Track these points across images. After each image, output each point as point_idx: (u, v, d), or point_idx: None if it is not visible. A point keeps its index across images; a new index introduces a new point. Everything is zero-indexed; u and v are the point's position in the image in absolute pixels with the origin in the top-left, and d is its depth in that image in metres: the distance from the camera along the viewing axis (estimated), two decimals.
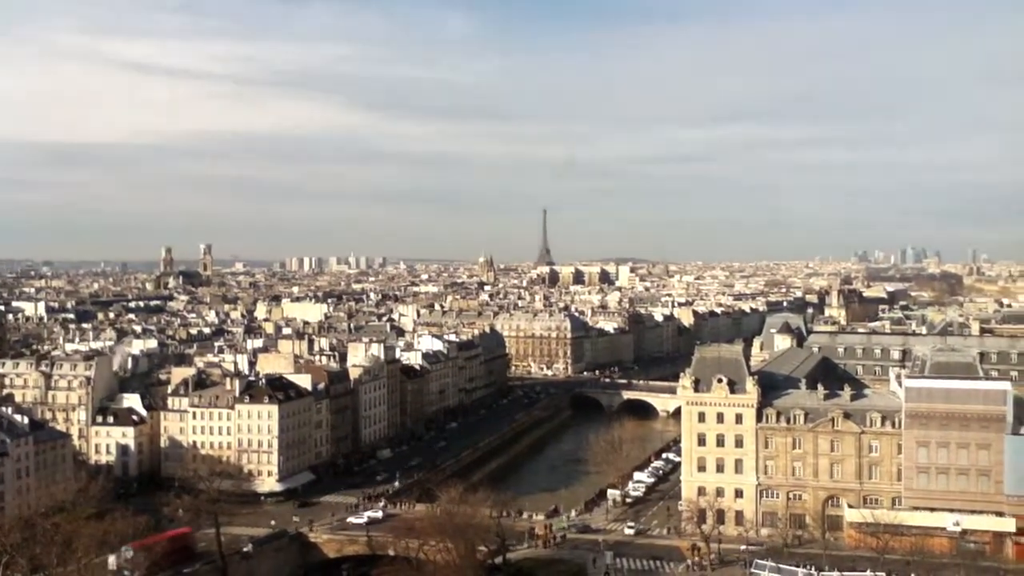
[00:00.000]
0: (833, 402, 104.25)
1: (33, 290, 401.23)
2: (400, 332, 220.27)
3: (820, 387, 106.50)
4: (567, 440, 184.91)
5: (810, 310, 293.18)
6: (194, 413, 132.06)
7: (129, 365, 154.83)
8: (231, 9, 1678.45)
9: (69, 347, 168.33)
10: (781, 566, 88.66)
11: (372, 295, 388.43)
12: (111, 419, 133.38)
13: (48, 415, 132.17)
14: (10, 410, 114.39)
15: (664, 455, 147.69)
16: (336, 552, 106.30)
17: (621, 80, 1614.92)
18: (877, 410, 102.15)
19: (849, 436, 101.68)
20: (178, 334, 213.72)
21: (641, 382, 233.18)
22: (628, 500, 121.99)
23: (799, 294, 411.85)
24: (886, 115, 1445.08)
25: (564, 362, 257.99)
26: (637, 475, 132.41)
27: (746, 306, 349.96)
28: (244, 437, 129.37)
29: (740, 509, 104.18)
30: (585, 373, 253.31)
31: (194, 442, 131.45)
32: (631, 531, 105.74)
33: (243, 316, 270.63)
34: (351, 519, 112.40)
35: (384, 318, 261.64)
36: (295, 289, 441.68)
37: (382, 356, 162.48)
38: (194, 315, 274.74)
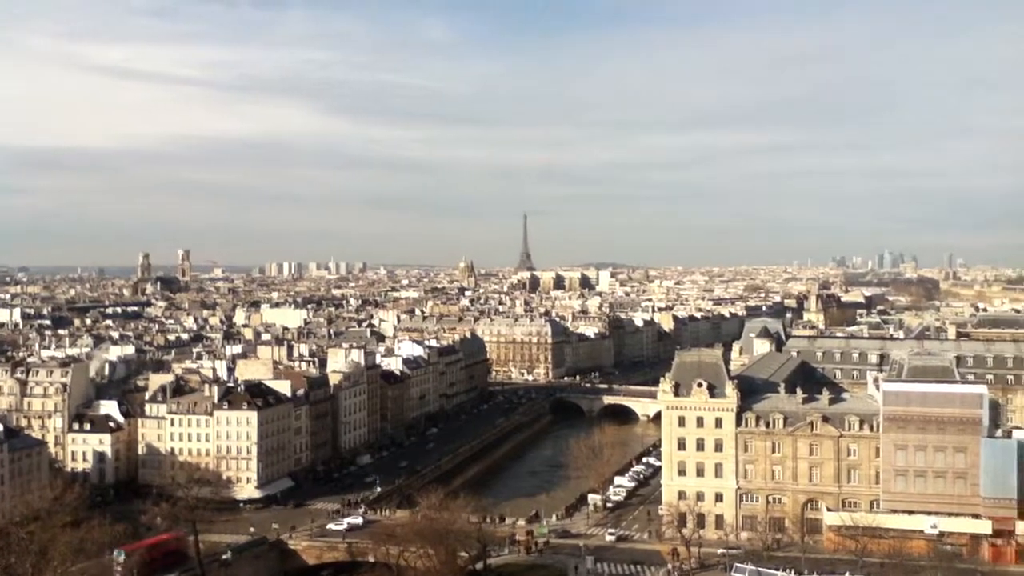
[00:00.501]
0: (812, 406, 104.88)
1: (8, 296, 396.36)
2: (380, 338, 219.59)
3: (799, 391, 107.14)
4: (548, 445, 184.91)
5: (789, 315, 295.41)
6: (172, 420, 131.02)
7: (106, 372, 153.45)
8: (209, 14, 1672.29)
9: (45, 354, 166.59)
10: (761, 569, 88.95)
11: (352, 300, 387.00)
12: (88, 426, 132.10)
13: (23, 422, 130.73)
14: None
15: (644, 459, 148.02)
16: (316, 559, 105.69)
17: (601, 86, 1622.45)
18: (855, 414, 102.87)
19: (828, 440, 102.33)
20: (156, 340, 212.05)
21: (622, 387, 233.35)
22: (609, 505, 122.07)
23: (778, 299, 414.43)
24: (864, 121, 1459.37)
25: (545, 367, 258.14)
26: (618, 480, 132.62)
27: (725, 311, 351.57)
28: (223, 444, 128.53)
29: (720, 513, 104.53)
30: (566, 378, 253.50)
31: (172, 449, 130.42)
32: (612, 537, 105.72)
33: (222, 322, 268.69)
34: (331, 526, 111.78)
35: (364, 324, 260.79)
36: (274, 295, 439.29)
37: (362, 362, 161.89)
38: (172, 321, 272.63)
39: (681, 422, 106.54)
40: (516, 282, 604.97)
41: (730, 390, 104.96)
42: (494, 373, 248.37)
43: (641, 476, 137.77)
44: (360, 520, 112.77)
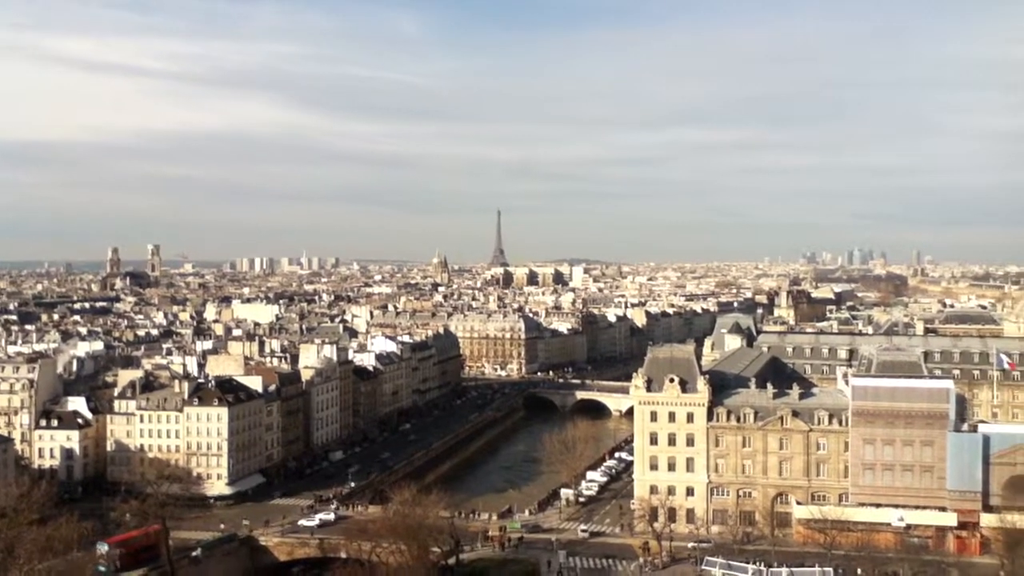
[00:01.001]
0: (782, 401, 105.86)
1: None
2: (353, 333, 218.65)
3: (769, 386, 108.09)
4: (521, 440, 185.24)
5: (760, 310, 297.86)
6: (141, 416, 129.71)
7: (74, 367, 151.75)
8: (179, 7, 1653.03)
9: (12, 349, 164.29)
10: (731, 563, 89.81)
11: (324, 296, 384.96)
12: (55, 422, 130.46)
13: None
14: None
15: (617, 454, 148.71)
16: (287, 555, 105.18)
17: (574, 83, 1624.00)
18: (825, 408, 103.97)
19: (797, 434, 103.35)
20: (125, 336, 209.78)
21: (594, 382, 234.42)
22: (581, 499, 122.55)
23: (749, 295, 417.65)
24: (834, 119, 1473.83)
25: (518, 363, 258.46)
26: (590, 474, 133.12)
27: (697, 306, 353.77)
28: (193, 440, 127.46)
29: (691, 507, 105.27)
30: (539, 373, 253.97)
31: (141, 445, 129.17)
32: (585, 534, 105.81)
33: (192, 317, 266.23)
34: (302, 522, 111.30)
35: (337, 319, 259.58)
36: (246, 290, 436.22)
37: (334, 357, 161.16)
38: (141, 316, 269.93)
39: (653, 417, 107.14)
40: (489, 278, 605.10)
41: (702, 385, 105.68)
42: (467, 369, 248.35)
43: (613, 471, 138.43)
44: (332, 516, 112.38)
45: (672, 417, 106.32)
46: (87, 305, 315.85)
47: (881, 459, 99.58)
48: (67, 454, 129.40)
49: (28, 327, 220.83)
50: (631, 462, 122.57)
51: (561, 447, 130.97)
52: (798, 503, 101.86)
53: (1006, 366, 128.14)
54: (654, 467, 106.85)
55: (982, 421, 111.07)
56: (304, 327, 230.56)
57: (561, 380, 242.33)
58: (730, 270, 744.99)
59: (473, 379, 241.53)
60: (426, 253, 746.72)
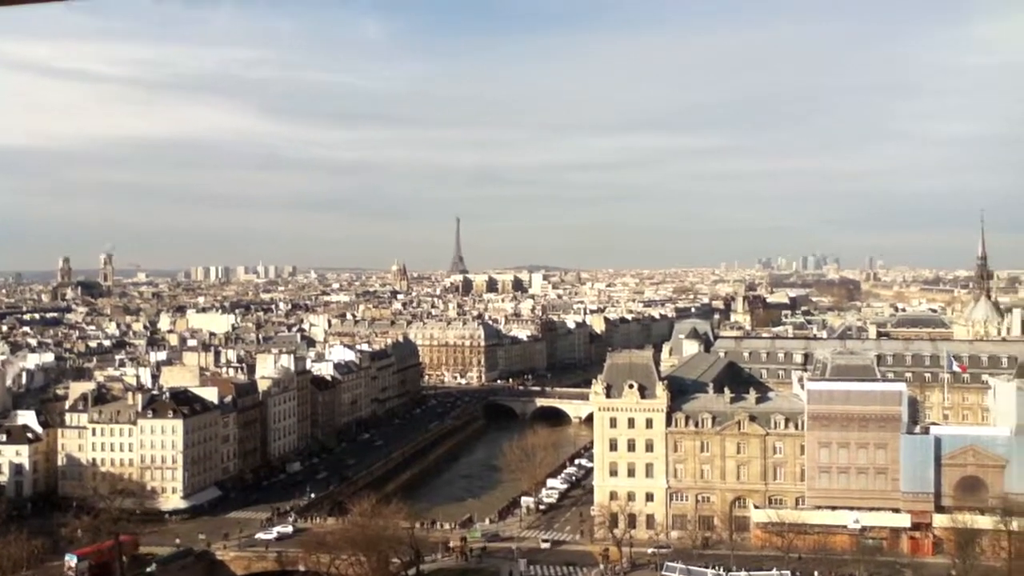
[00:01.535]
0: (739, 405, 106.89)
1: None
2: (311, 342, 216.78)
3: (727, 391, 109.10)
4: (481, 449, 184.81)
5: (717, 316, 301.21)
6: (94, 429, 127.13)
7: (23, 380, 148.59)
8: (131, 10, 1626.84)
9: None
10: (691, 568, 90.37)
11: (281, 305, 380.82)
12: (4, 437, 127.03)
13: None
14: None
15: (577, 461, 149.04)
16: (244, 569, 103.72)
17: (535, 88, 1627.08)
18: (781, 412, 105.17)
19: (754, 438, 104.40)
20: (76, 347, 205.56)
21: (554, 389, 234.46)
22: (542, 507, 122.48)
23: (706, 300, 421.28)
24: (788, 126, 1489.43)
25: (478, 370, 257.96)
26: (550, 482, 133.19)
27: (656, 312, 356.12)
28: (147, 453, 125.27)
29: (651, 513, 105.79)
30: (499, 381, 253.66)
31: (94, 459, 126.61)
32: (547, 544, 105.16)
33: (146, 328, 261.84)
34: (260, 535, 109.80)
35: (294, 328, 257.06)
36: (201, 299, 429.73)
37: (292, 367, 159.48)
38: (93, 327, 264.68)
39: (613, 423, 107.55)
40: (449, 285, 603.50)
41: (660, 391, 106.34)
42: (427, 377, 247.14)
43: (574, 478, 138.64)
44: (290, 529, 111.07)
45: (631, 423, 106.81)
46: (37, 316, 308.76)
47: (836, 462, 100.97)
48: (16, 470, 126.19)
49: None
50: (591, 468, 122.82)
51: (521, 455, 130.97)
52: (756, 507, 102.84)
53: (956, 369, 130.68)
54: (614, 473, 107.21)
55: (934, 423, 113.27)
56: (261, 337, 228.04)
57: (521, 387, 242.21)
58: (687, 276, 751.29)
59: (433, 387, 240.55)
60: (385, 260, 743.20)
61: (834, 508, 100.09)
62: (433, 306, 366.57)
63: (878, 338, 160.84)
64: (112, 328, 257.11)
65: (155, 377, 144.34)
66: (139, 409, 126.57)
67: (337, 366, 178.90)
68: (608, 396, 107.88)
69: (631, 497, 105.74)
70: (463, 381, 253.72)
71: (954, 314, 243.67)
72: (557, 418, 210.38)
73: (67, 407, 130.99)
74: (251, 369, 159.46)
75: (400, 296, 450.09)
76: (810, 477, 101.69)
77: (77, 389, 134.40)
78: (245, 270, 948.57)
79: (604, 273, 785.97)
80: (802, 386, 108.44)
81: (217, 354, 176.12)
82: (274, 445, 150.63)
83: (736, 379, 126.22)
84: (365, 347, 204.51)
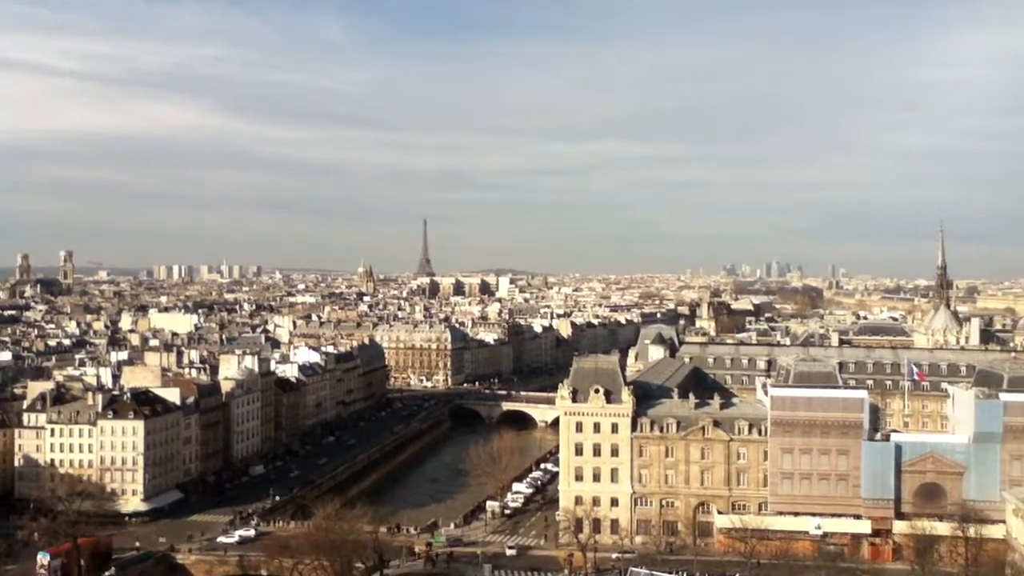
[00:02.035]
0: (704, 411, 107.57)
1: None
2: (275, 344, 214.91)
3: (691, 396, 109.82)
4: (446, 452, 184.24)
5: (682, 321, 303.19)
6: (52, 430, 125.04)
7: None
8: (95, 5, 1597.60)
9: None
10: (655, 573, 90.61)
11: (246, 305, 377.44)
12: None
13: None
14: None
15: (543, 465, 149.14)
16: (205, 573, 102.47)
17: (503, 93, 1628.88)
18: (745, 418, 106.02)
19: (719, 444, 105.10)
20: (35, 346, 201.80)
21: (520, 393, 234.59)
22: (507, 512, 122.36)
23: (672, 306, 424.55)
24: (756, 135, 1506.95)
25: (444, 373, 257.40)
26: (516, 486, 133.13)
27: (622, 317, 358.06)
28: (107, 455, 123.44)
29: (616, 518, 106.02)
30: (465, 384, 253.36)
31: (52, 460, 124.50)
32: (512, 551, 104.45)
33: (107, 327, 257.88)
34: (221, 539, 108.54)
35: (258, 329, 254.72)
36: (163, 299, 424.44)
37: (256, 368, 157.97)
38: (53, 326, 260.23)
39: (578, 428, 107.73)
40: (416, 288, 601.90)
41: (626, 396, 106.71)
42: (393, 380, 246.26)
43: (539, 482, 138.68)
44: (252, 532, 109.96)
45: (597, 428, 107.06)
46: None
47: (799, 468, 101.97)
48: None
49: None
50: (557, 473, 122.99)
51: (487, 459, 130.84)
52: (719, 512, 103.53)
53: (916, 376, 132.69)
54: (579, 478, 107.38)
55: (894, 430, 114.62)
56: (224, 337, 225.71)
57: (487, 391, 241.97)
58: (653, 281, 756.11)
59: (399, 390, 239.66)
60: (351, 262, 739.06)
61: (796, 514, 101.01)
62: (400, 308, 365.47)
63: (840, 345, 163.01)
64: (72, 327, 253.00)
65: (116, 377, 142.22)
66: (99, 409, 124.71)
67: (302, 368, 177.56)
68: (574, 400, 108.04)
69: (596, 502, 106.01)
70: (429, 384, 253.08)
71: (914, 322, 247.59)
72: (523, 422, 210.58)
73: (25, 407, 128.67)
74: (214, 370, 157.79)
75: (366, 298, 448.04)
76: (773, 483, 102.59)
77: (35, 388, 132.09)
78: (209, 269, 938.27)
79: (571, 278, 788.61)
80: (766, 392, 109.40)
81: (180, 354, 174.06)
82: (237, 447, 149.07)
83: (701, 384, 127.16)
84: (330, 349, 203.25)
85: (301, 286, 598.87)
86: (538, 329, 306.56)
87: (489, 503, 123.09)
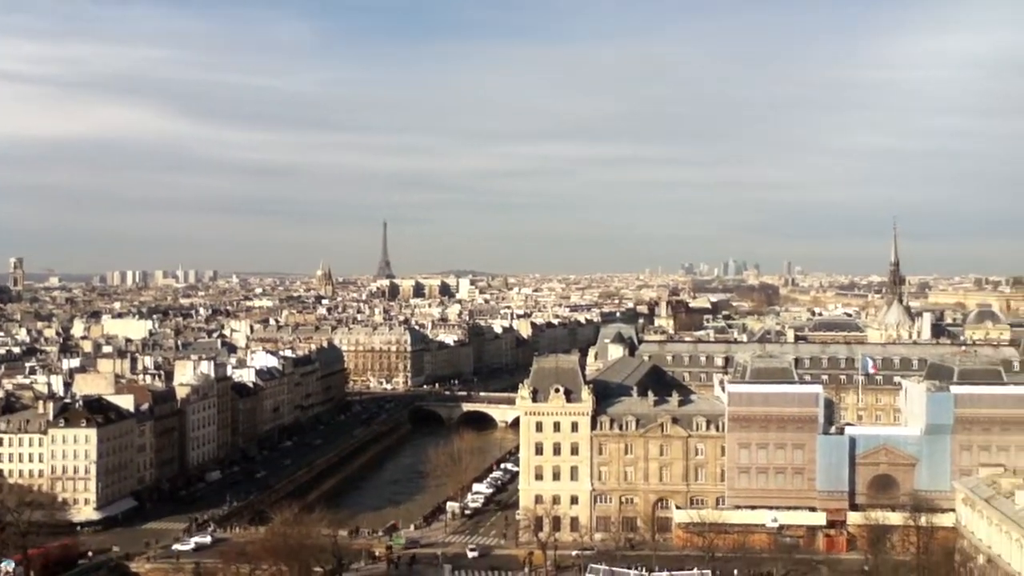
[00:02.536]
0: (662, 408, 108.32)
1: None
2: (232, 348, 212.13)
3: (650, 394, 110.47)
4: (406, 454, 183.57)
5: (641, 320, 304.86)
6: (2, 439, 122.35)
7: None
8: (43, 7, 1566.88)
9: None
10: (614, 569, 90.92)
11: (202, 310, 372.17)
12: None
13: None
14: None
15: (503, 465, 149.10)
16: None
17: (461, 95, 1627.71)
18: (703, 415, 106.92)
19: (677, 440, 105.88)
20: None
21: (481, 394, 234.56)
22: (467, 512, 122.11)
23: (631, 305, 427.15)
24: (712, 136, 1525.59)
25: (404, 376, 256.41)
26: (476, 487, 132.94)
27: (582, 317, 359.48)
28: (59, 464, 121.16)
29: (576, 515, 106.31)
30: (425, 386, 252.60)
31: (1, 471, 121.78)
32: (474, 554, 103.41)
33: (58, 334, 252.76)
34: (176, 546, 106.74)
35: (215, 334, 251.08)
36: (117, 305, 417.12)
37: (212, 374, 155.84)
38: (2, 333, 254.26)
39: (539, 427, 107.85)
40: (375, 290, 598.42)
41: (586, 394, 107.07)
42: (352, 383, 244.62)
43: (499, 482, 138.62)
44: (209, 539, 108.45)
45: (557, 427, 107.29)
46: None
47: (756, 462, 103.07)
48: None
49: None
50: (517, 472, 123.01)
51: (447, 460, 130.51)
52: (678, 507, 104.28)
53: (870, 370, 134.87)
54: (539, 477, 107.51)
55: (849, 424, 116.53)
56: (180, 343, 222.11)
57: (448, 392, 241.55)
58: (612, 281, 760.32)
59: (358, 393, 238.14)
60: (309, 265, 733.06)
61: (753, 507, 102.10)
62: (359, 311, 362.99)
63: (796, 342, 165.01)
64: (22, 334, 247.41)
65: (68, 385, 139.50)
66: (50, 418, 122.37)
67: (259, 372, 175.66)
68: (535, 400, 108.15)
69: (556, 500, 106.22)
70: (389, 386, 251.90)
71: (868, 318, 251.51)
72: (484, 423, 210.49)
73: None
74: (169, 376, 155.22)
75: (325, 301, 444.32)
76: (730, 477, 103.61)
77: None
78: (164, 274, 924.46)
79: (531, 278, 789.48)
80: (723, 389, 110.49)
81: (134, 361, 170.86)
82: (193, 454, 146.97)
83: (660, 382, 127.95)
84: (288, 353, 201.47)
85: (258, 290, 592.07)
86: (498, 330, 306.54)
87: (449, 504, 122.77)
